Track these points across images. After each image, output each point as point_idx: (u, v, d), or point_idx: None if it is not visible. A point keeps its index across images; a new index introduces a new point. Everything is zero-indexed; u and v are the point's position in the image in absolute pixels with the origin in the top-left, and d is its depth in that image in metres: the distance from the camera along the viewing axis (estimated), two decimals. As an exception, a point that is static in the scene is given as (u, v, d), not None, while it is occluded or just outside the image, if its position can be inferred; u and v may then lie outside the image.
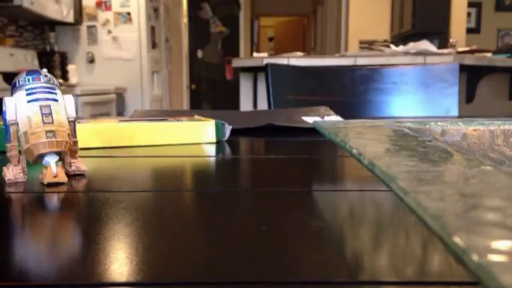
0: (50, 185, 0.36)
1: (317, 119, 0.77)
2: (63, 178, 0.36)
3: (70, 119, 0.39)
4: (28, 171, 0.43)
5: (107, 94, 3.63)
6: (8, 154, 0.38)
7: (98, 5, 4.11)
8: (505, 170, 0.20)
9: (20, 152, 0.38)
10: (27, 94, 0.37)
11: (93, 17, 4.13)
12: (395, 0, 4.36)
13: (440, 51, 2.18)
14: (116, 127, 0.56)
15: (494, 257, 0.11)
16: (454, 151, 0.26)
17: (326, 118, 0.78)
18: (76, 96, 2.96)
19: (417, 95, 1.23)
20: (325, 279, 0.20)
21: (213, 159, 0.50)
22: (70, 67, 3.83)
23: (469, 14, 5.26)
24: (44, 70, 0.40)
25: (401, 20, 4.22)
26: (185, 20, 5.89)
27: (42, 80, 0.37)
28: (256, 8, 7.37)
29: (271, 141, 0.63)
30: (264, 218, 0.29)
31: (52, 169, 0.35)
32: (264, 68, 1.26)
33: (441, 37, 3.79)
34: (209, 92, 6.25)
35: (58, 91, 0.39)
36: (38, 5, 3.18)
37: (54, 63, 3.70)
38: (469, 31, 4.91)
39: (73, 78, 3.80)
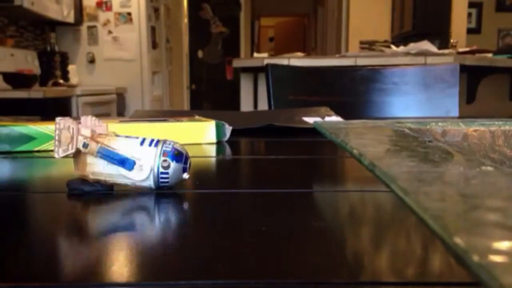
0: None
1: (318, 119, 0.77)
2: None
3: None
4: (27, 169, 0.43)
5: (108, 95, 3.63)
6: None
7: (99, 5, 4.11)
8: (506, 171, 0.20)
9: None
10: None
11: (94, 18, 4.13)
12: (395, 0, 4.36)
13: (441, 51, 2.17)
14: (117, 128, 0.56)
15: (495, 258, 0.11)
16: (455, 151, 0.26)
17: (327, 119, 0.78)
18: (76, 96, 2.96)
19: (417, 95, 1.23)
20: (325, 280, 0.20)
21: (213, 160, 0.50)
22: (71, 68, 3.83)
23: (469, 15, 5.25)
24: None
25: (402, 20, 4.21)
26: (185, 20, 5.88)
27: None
28: (257, 8, 7.36)
29: (271, 141, 0.63)
30: (264, 219, 0.29)
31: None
32: (264, 69, 1.26)
33: (442, 38, 3.78)
34: (210, 93, 6.24)
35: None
36: (39, 5, 3.18)
37: (55, 63, 3.70)
38: (470, 31, 4.90)
39: (73, 79, 3.80)
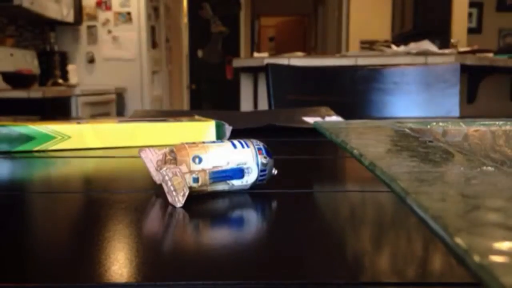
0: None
1: (318, 119, 0.77)
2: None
3: None
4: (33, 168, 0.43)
5: (107, 94, 3.63)
6: None
7: (98, 5, 4.11)
8: (507, 171, 0.20)
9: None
10: None
11: (93, 17, 4.12)
12: (396, 0, 4.36)
13: (441, 51, 2.17)
14: (116, 128, 0.56)
15: (495, 258, 0.11)
16: (455, 151, 0.26)
17: (327, 119, 0.78)
18: (76, 96, 2.96)
19: (418, 95, 1.23)
20: (325, 280, 0.20)
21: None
22: (70, 67, 3.83)
23: (470, 14, 5.25)
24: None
25: (402, 20, 4.22)
26: (185, 19, 5.88)
27: None
28: (257, 7, 7.36)
29: (271, 141, 0.63)
30: (264, 220, 0.29)
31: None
32: (264, 68, 1.26)
33: (442, 37, 3.79)
34: (209, 92, 6.24)
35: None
36: (38, 5, 3.18)
37: (54, 63, 3.70)
38: (470, 31, 4.90)
39: (73, 78, 3.79)
